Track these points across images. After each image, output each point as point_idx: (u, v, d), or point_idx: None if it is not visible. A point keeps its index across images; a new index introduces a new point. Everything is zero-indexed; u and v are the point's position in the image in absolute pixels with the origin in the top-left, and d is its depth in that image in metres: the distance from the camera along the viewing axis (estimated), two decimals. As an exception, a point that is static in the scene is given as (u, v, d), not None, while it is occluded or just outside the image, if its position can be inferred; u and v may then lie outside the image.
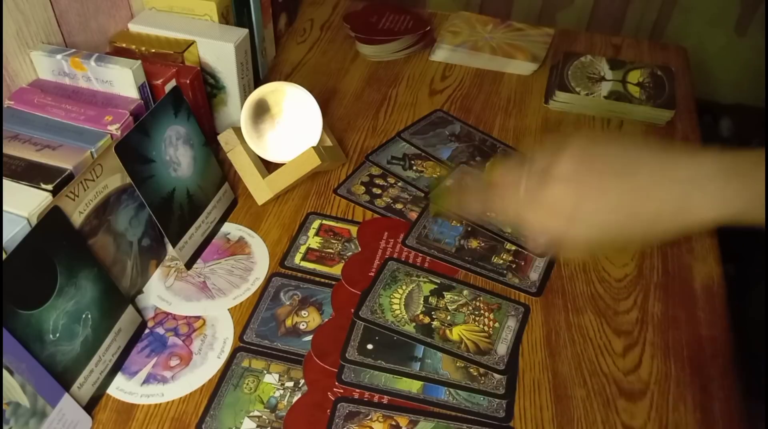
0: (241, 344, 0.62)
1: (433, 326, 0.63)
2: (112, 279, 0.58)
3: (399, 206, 0.76)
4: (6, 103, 0.63)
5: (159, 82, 0.69)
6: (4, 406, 0.47)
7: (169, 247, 0.69)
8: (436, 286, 0.67)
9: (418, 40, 1.04)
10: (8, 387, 0.47)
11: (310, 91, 0.75)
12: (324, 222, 0.74)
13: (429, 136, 0.86)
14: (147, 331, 0.63)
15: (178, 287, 0.67)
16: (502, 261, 0.70)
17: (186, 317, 0.64)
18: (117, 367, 0.59)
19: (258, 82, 0.88)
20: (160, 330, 0.63)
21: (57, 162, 0.56)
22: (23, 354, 0.48)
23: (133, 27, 0.78)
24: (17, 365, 0.48)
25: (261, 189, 0.75)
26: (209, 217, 0.71)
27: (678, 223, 0.45)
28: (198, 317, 0.64)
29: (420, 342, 0.62)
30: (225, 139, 0.74)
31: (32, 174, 0.55)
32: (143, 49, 0.75)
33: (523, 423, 0.57)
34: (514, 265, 0.70)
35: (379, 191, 0.78)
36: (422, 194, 0.78)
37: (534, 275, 0.69)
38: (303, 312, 0.65)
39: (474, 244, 0.72)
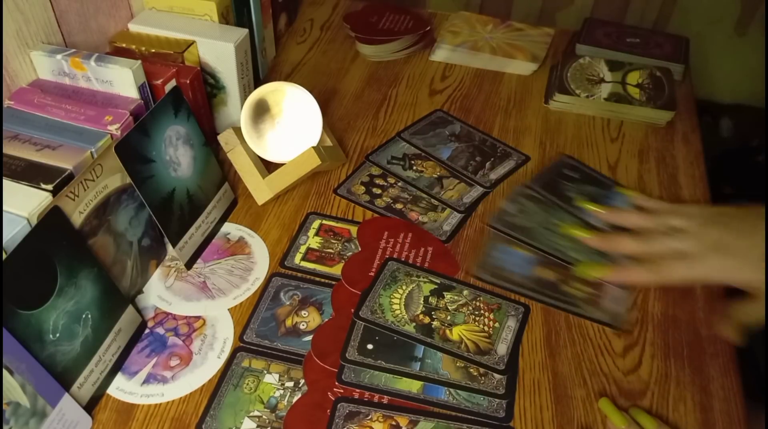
0: (241, 344, 0.62)
1: (433, 326, 0.63)
2: (112, 279, 0.58)
3: (399, 206, 0.76)
4: (6, 103, 0.63)
5: (159, 82, 0.69)
6: (4, 406, 0.47)
7: (169, 247, 0.69)
8: (436, 286, 0.67)
9: (418, 40, 1.04)
10: (8, 387, 0.47)
11: (310, 91, 0.75)
12: (324, 222, 0.74)
13: (429, 136, 0.86)
14: (147, 331, 0.63)
15: (178, 287, 0.67)
16: (577, 290, 0.67)
17: (186, 317, 0.64)
18: (117, 367, 0.59)
19: (258, 82, 0.88)
20: (160, 330, 0.63)
21: (57, 162, 0.57)
22: (23, 354, 0.48)
23: (133, 27, 0.78)
24: (17, 365, 0.48)
25: (261, 189, 0.75)
26: (209, 217, 0.71)
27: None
28: (198, 317, 0.64)
29: (420, 342, 0.62)
30: (225, 139, 0.74)
31: (32, 174, 0.55)
32: (143, 49, 0.75)
33: (523, 423, 0.57)
34: (592, 295, 0.66)
35: (379, 191, 0.78)
36: (423, 194, 0.78)
37: (612, 305, 0.66)
38: (303, 312, 0.65)
39: (547, 273, 0.68)
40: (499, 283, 0.67)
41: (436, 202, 0.77)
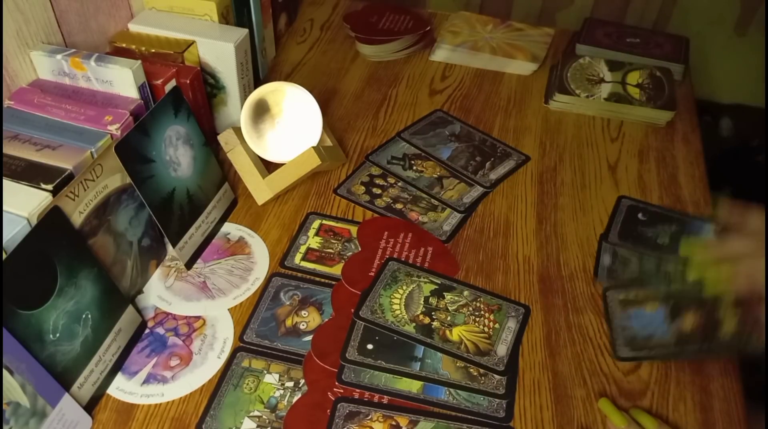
0: (241, 344, 0.62)
1: (433, 327, 0.63)
2: (112, 279, 0.58)
3: (399, 206, 0.76)
4: (6, 103, 0.63)
5: (159, 82, 0.69)
6: (4, 406, 0.47)
7: (169, 247, 0.69)
8: (437, 287, 0.67)
9: (418, 40, 1.04)
10: (8, 387, 0.47)
11: (310, 91, 0.75)
12: (324, 222, 0.74)
13: (429, 136, 0.86)
14: (147, 331, 0.63)
15: (178, 287, 0.67)
16: (732, 328, 0.56)
17: (186, 317, 0.64)
18: (117, 367, 0.59)
19: (258, 82, 0.88)
20: (160, 330, 0.63)
21: (57, 162, 0.56)
22: (23, 354, 0.48)
23: (133, 27, 0.78)
24: (17, 365, 0.48)
25: (261, 189, 0.75)
26: (209, 217, 0.71)
27: None
28: (198, 317, 0.64)
29: (420, 342, 0.62)
30: (225, 139, 0.74)
31: (32, 174, 0.55)
32: (143, 49, 0.75)
33: (523, 423, 0.57)
34: (747, 325, 0.55)
35: (379, 191, 0.78)
36: (423, 194, 0.78)
37: None
38: (303, 312, 0.65)
39: (689, 323, 0.59)
40: (646, 356, 0.60)
41: (436, 202, 0.77)
